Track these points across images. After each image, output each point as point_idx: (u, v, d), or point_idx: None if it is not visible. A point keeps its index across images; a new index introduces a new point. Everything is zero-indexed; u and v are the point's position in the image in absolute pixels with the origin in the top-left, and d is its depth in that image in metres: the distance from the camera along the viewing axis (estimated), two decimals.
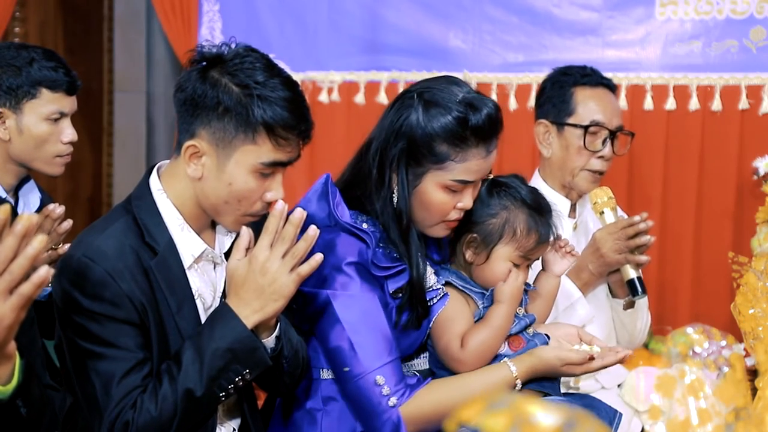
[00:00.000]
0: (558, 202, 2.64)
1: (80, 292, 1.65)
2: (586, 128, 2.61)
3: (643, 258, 2.41)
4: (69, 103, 2.48)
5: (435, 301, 2.00)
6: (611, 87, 2.71)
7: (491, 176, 2.05)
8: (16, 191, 2.53)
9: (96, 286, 1.67)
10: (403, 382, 1.92)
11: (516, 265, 2.01)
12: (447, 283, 2.02)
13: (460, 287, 2.02)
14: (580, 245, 2.62)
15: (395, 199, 1.94)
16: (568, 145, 2.63)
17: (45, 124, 2.44)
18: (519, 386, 1.93)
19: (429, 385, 1.94)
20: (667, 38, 3.72)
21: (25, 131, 2.43)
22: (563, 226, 2.62)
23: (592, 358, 1.94)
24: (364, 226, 1.96)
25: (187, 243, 1.78)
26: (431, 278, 2.01)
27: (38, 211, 2.48)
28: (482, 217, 2.00)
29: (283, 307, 1.72)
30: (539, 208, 2.02)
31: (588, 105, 2.63)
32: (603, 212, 2.47)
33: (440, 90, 1.92)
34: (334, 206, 1.95)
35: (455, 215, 1.95)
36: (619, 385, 2.68)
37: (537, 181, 2.69)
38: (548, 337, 2.02)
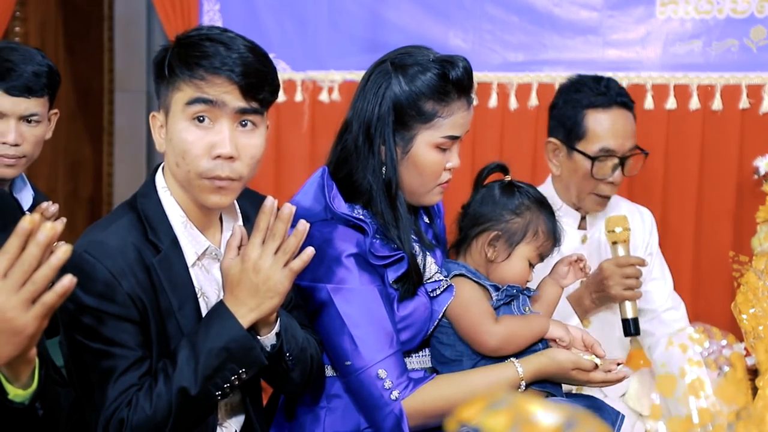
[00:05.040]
0: (568, 213, 2.64)
1: (81, 288, 1.64)
2: (594, 159, 2.52)
3: (639, 293, 2.43)
4: (8, 104, 2.41)
5: (439, 292, 2.01)
6: (628, 105, 2.59)
7: (508, 178, 2.08)
8: (9, 190, 2.52)
9: (97, 283, 1.66)
10: (405, 374, 1.92)
11: (531, 265, 2.05)
12: (460, 275, 2.03)
13: (474, 279, 2.03)
14: (591, 259, 2.61)
15: (384, 170, 1.95)
16: (577, 168, 2.56)
17: None
18: (523, 387, 1.94)
19: (433, 380, 1.94)
20: (668, 37, 3.72)
21: None
22: (569, 237, 2.63)
23: (596, 366, 1.96)
24: (361, 217, 1.96)
25: (190, 240, 1.78)
26: (432, 268, 2.02)
27: (31, 209, 2.47)
28: (505, 216, 2.03)
29: (279, 303, 1.71)
30: (553, 213, 2.08)
31: (599, 131, 2.53)
32: (615, 243, 2.44)
33: (411, 54, 1.97)
34: (331, 199, 1.95)
35: (447, 176, 2.00)
36: (622, 396, 2.68)
37: (548, 189, 2.67)
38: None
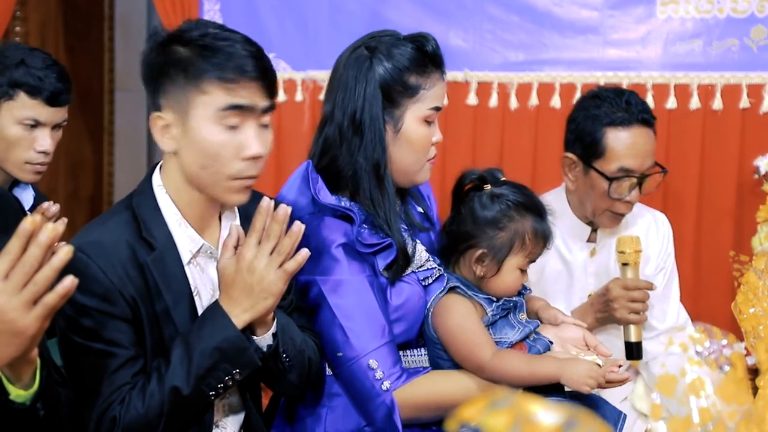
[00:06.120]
0: (579, 226, 2.61)
1: None
2: (611, 179, 2.45)
3: (644, 317, 2.40)
4: (48, 114, 2.44)
5: (431, 280, 2.00)
6: (649, 121, 2.49)
7: (488, 188, 2.03)
8: (10, 189, 2.53)
9: (89, 281, 1.66)
10: (398, 365, 1.91)
11: (522, 271, 2.01)
12: (453, 288, 1.99)
13: (469, 295, 1.99)
14: (598, 274, 2.60)
15: (373, 152, 1.96)
16: (593, 186, 2.49)
17: (18, 128, 2.42)
18: (520, 391, 1.93)
19: (429, 373, 1.95)
20: (668, 37, 3.72)
21: None
22: (578, 250, 2.61)
23: (598, 366, 1.94)
24: (348, 206, 1.96)
25: (185, 239, 1.78)
26: (422, 255, 2.02)
27: (32, 209, 2.48)
28: (488, 232, 1.98)
29: (274, 304, 1.71)
30: (540, 212, 2.02)
31: (619, 150, 2.45)
32: (626, 264, 2.39)
33: (382, 36, 2.02)
34: (316, 191, 1.95)
35: (434, 151, 2.03)
36: (624, 399, 2.67)
37: (561, 197, 2.63)
38: (551, 342, 2.01)
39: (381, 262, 1.95)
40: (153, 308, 1.72)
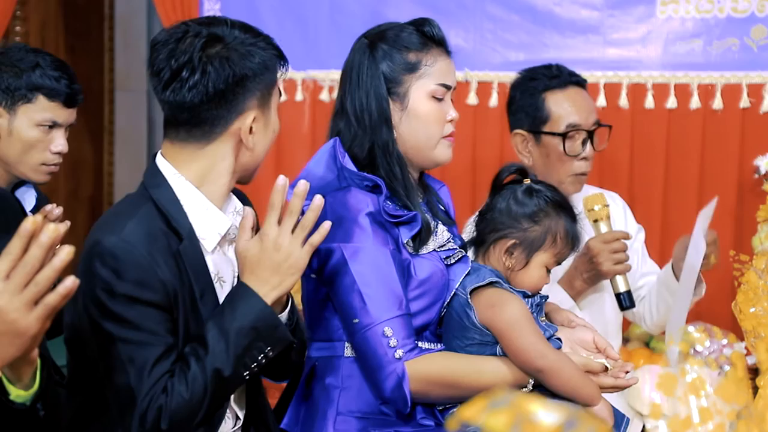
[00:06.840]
0: None
1: (115, 275, 1.65)
2: (563, 135, 2.58)
3: (628, 266, 2.46)
4: (65, 115, 2.47)
5: (453, 261, 2.01)
6: (581, 83, 2.68)
7: (527, 182, 2.05)
8: (12, 191, 2.53)
9: (131, 270, 1.66)
10: (412, 338, 1.91)
11: (547, 270, 2.01)
12: (492, 283, 1.97)
13: (508, 289, 1.98)
14: None
15: (382, 132, 2.00)
16: (549, 152, 2.61)
17: (36, 130, 2.44)
18: (530, 387, 1.92)
19: (443, 351, 1.96)
20: (668, 37, 3.72)
21: (14, 133, 2.43)
22: None
23: (606, 369, 1.94)
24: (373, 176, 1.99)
25: (214, 222, 1.78)
26: (444, 235, 2.03)
27: (34, 211, 2.48)
28: (522, 224, 1.99)
29: (297, 279, 1.74)
30: (573, 215, 2.03)
31: (561, 110, 2.60)
32: (597, 221, 2.48)
33: (380, 26, 2.11)
34: (344, 163, 1.98)
35: (450, 128, 2.05)
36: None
37: None
38: (560, 341, 2.00)
39: (406, 234, 1.97)
40: (185, 297, 1.73)
